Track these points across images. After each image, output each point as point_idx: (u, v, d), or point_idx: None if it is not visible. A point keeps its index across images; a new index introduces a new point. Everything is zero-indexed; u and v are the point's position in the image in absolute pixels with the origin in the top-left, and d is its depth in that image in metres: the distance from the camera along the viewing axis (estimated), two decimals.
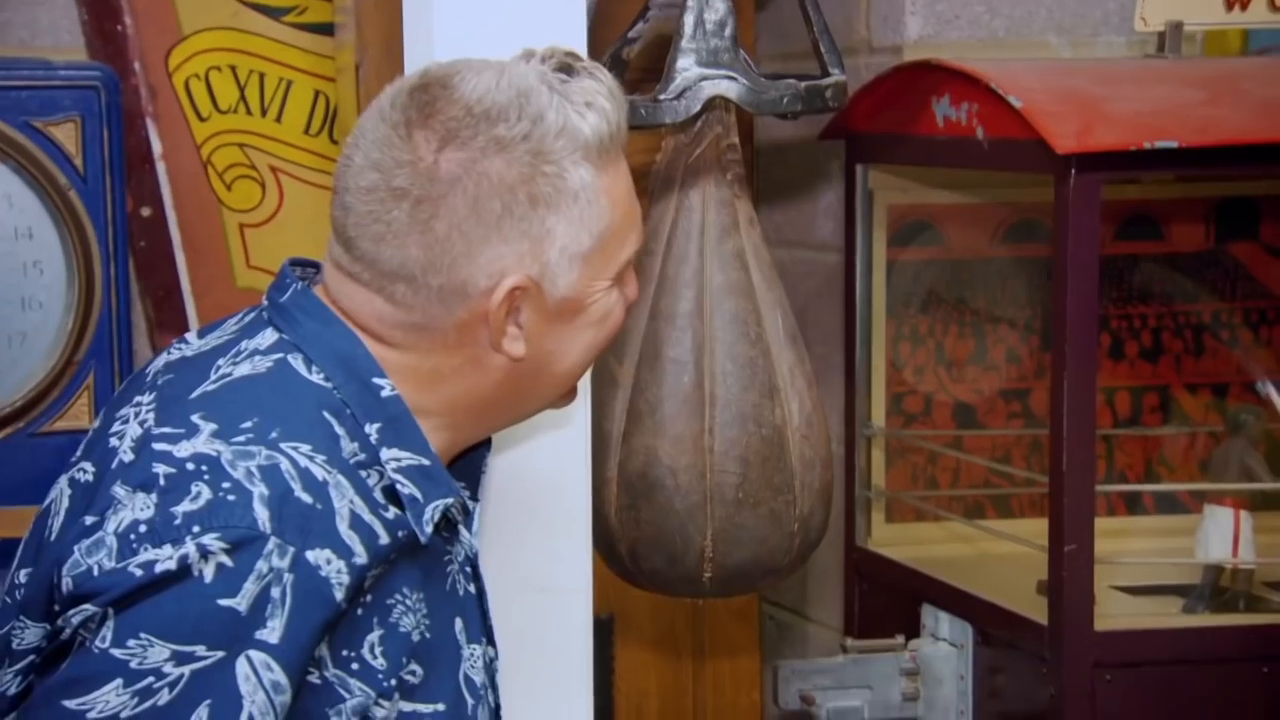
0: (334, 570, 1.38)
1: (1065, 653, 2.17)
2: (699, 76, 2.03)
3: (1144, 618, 2.29)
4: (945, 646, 2.36)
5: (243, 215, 2.88)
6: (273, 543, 1.36)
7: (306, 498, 1.38)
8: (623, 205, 1.50)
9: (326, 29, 2.86)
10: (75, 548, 1.38)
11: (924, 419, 2.62)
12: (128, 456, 1.42)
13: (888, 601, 2.51)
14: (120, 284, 2.59)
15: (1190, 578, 2.40)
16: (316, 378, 1.46)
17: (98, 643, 1.35)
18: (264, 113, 2.88)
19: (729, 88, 2.04)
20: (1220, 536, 2.36)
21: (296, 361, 1.47)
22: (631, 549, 2.10)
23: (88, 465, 1.47)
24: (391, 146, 1.45)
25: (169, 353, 1.55)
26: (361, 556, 1.40)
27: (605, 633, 2.79)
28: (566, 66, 1.48)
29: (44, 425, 2.55)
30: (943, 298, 2.61)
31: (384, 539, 1.43)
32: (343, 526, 1.40)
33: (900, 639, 2.37)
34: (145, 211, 2.82)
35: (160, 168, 2.84)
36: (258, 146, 2.88)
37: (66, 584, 1.38)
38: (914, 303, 2.60)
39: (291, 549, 1.36)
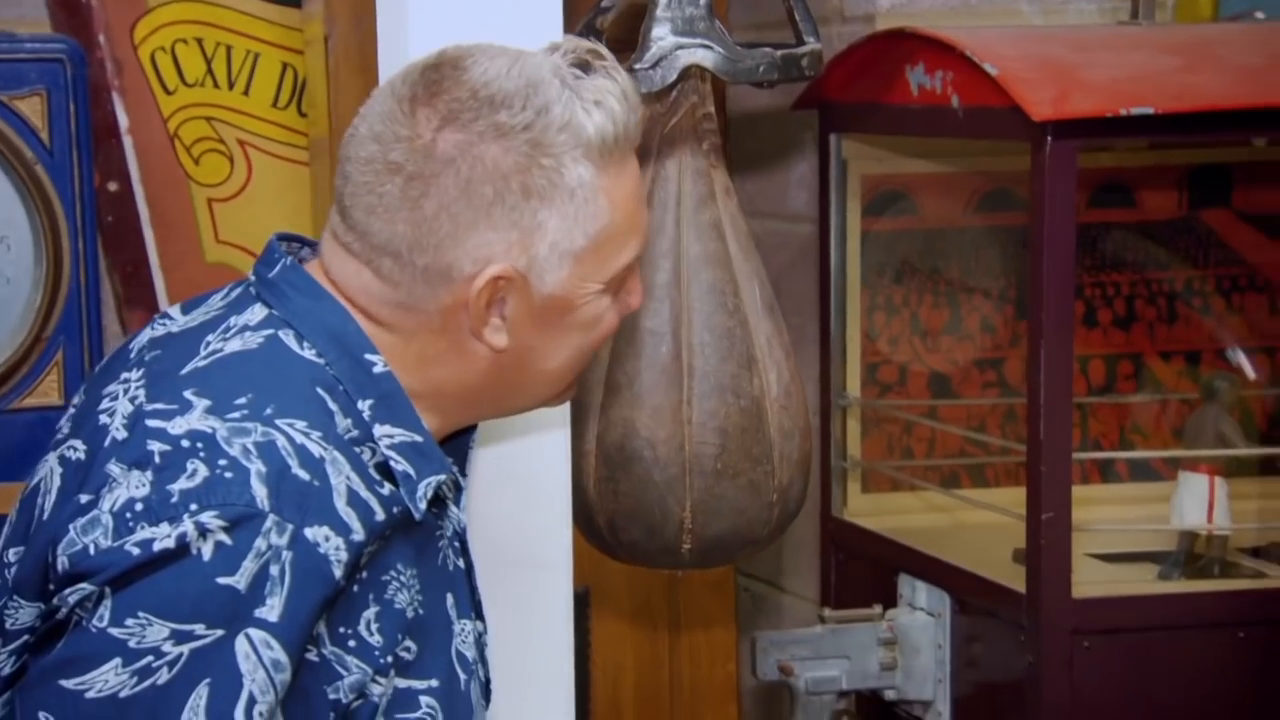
0: (332, 547, 1.37)
1: (1044, 620, 2.18)
2: (675, 45, 2.03)
3: (1121, 585, 2.30)
4: (923, 616, 2.36)
5: (211, 189, 2.86)
6: (271, 520, 1.35)
7: (304, 475, 1.38)
8: (624, 209, 1.48)
9: (294, 1, 2.83)
10: (70, 526, 1.37)
11: (899, 389, 2.62)
12: (121, 434, 1.41)
13: (864, 572, 2.51)
14: (89, 259, 2.56)
15: (1165, 544, 2.41)
16: (309, 354, 1.45)
17: (95, 622, 1.34)
18: (231, 86, 2.86)
19: (705, 56, 2.03)
20: (1195, 503, 2.37)
21: (288, 337, 1.46)
22: (610, 521, 2.09)
23: (78, 443, 1.45)
24: (394, 120, 1.44)
25: (153, 328, 1.53)
26: (359, 533, 1.39)
27: (581, 606, 2.79)
28: (584, 63, 1.47)
29: (13, 402, 2.52)
30: (917, 267, 2.61)
31: (380, 515, 1.42)
32: (340, 503, 1.39)
33: (878, 609, 2.37)
34: (112, 186, 2.79)
35: (127, 142, 2.81)
36: (225, 120, 2.85)
37: (62, 563, 1.36)
38: (888, 273, 2.60)
39: (290, 526, 1.35)
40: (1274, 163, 2.66)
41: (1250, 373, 2.65)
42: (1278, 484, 2.64)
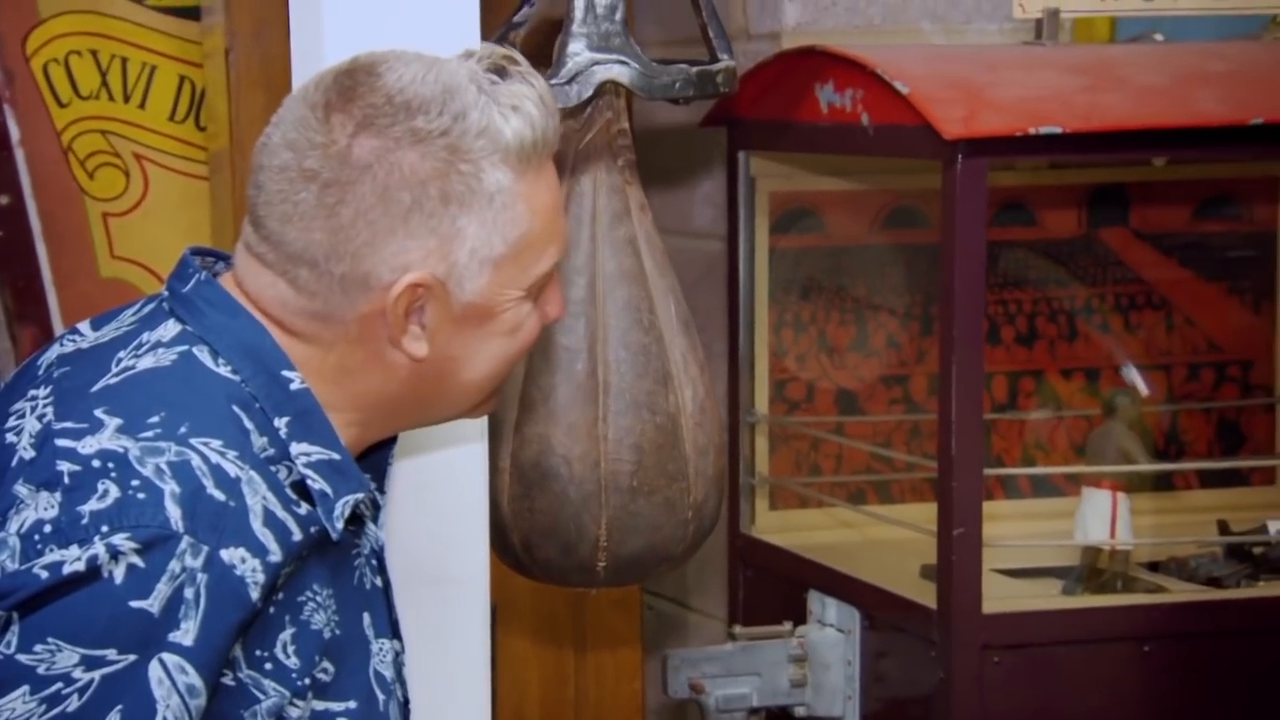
0: (249, 569, 1.34)
1: (954, 636, 2.19)
2: (591, 61, 2.02)
3: (1030, 600, 2.32)
4: (832, 632, 2.37)
5: (106, 204, 2.81)
6: (185, 542, 1.32)
7: (219, 495, 1.34)
8: (543, 215, 1.46)
9: (192, 13, 2.79)
10: None
11: (806, 406, 2.62)
12: (28, 453, 1.37)
13: (773, 589, 2.51)
14: None
15: (1068, 560, 2.43)
16: (223, 370, 1.42)
17: (2, 648, 1.29)
18: (127, 98, 2.81)
19: (621, 72, 2.03)
20: (1098, 518, 2.40)
21: (202, 354, 1.42)
22: (525, 539, 2.08)
23: None
24: (308, 127, 1.41)
25: (61, 344, 1.49)
26: (276, 554, 1.36)
27: None
28: (500, 68, 1.45)
29: None
30: (824, 285, 2.62)
31: (297, 535, 1.39)
32: (256, 524, 1.36)
33: (788, 626, 2.37)
34: (3, 200, 2.74)
35: (18, 155, 2.76)
36: (121, 133, 2.81)
37: None
38: (795, 290, 2.60)
39: (205, 548, 1.32)
40: (1170, 182, 2.70)
41: (1144, 389, 2.69)
42: (1173, 499, 2.69)
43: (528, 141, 1.43)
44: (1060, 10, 2.42)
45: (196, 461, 1.35)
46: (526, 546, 2.08)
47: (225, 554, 1.33)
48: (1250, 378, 2.76)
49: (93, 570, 1.30)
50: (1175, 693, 2.26)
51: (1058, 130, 2.13)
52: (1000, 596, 2.28)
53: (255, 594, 1.35)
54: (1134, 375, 2.71)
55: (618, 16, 2.02)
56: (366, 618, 1.52)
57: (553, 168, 1.48)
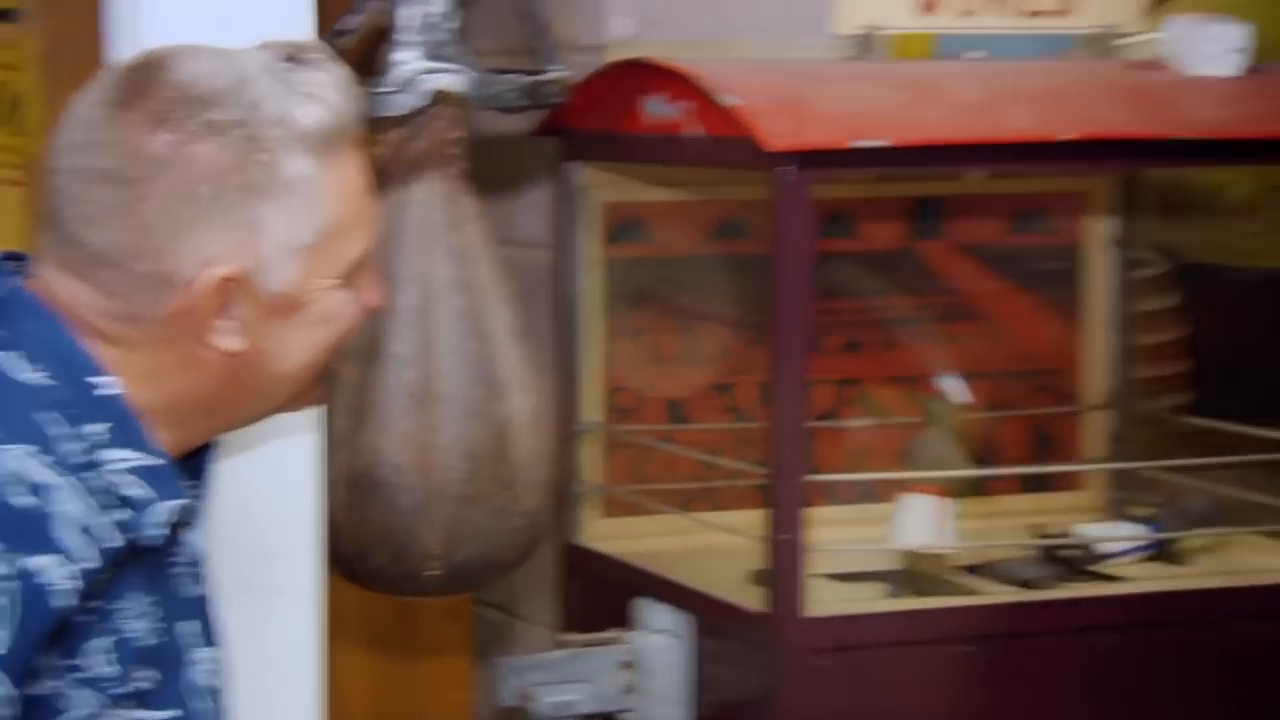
0: (58, 576, 1.32)
1: (783, 640, 2.22)
2: (422, 70, 2.02)
3: (856, 603, 2.36)
4: (662, 638, 2.39)
5: None
6: None
7: (29, 501, 1.32)
8: (349, 202, 1.45)
9: (8, 16, 2.73)
10: None
11: (637, 414, 2.64)
12: None
13: (604, 596, 2.53)
14: None
15: (889, 564, 2.48)
16: (36, 376, 1.39)
17: None
18: None
19: (452, 81, 2.03)
20: (919, 523, 2.45)
21: (11, 359, 1.40)
22: (357, 549, 2.07)
23: None
24: (101, 127, 1.39)
25: None
26: (89, 561, 1.35)
27: None
28: (293, 56, 1.44)
29: None
30: (656, 295, 2.64)
31: (111, 542, 1.37)
32: (69, 531, 1.34)
33: (618, 633, 2.39)
34: None
35: None
36: None
37: None
38: (627, 300, 2.62)
39: (12, 556, 1.30)
40: (986, 196, 2.77)
41: (961, 398, 2.75)
42: (990, 504, 2.75)
43: (327, 127, 1.42)
44: (880, 27, 2.47)
45: (3, 469, 1.33)
46: (359, 556, 2.07)
47: (34, 561, 1.31)
48: (1060, 386, 2.84)
49: None
50: (997, 691, 2.32)
51: (881, 144, 2.18)
52: (827, 600, 2.32)
53: (65, 601, 1.33)
54: (953, 384, 2.77)
55: (449, 25, 2.02)
56: (187, 626, 1.51)
57: (357, 153, 1.47)
